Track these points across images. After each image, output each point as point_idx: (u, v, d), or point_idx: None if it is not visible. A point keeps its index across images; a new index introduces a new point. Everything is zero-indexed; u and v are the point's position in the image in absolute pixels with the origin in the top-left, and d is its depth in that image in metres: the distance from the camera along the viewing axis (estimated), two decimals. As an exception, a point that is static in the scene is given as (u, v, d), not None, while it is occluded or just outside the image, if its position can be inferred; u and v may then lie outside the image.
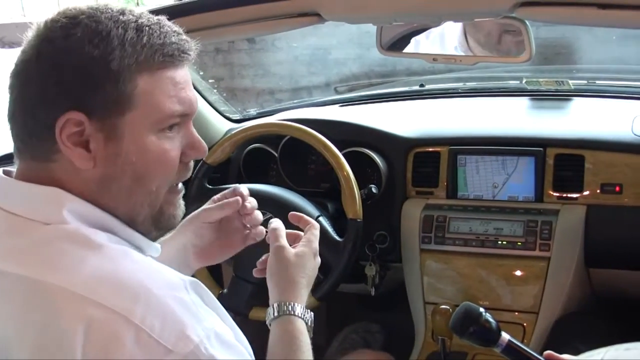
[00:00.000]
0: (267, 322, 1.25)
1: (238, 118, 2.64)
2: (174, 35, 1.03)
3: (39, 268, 0.94)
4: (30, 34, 1.01)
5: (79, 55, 0.96)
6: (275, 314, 1.23)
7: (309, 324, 1.25)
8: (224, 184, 2.13)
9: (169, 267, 1.01)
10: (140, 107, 1.00)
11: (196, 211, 1.42)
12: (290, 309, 1.23)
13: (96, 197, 1.01)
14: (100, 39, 0.97)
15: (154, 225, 1.09)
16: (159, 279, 0.96)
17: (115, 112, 0.98)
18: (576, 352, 1.23)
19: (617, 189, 1.94)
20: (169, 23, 1.05)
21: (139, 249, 1.06)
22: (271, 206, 1.99)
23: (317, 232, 1.37)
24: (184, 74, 1.05)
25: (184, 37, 1.06)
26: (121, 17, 1.00)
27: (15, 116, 1.02)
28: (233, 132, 2.15)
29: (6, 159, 2.17)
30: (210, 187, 2.10)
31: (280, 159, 2.26)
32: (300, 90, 7.12)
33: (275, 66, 7.28)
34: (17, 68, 1.01)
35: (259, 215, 1.42)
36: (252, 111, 2.80)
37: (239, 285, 1.98)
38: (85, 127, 0.98)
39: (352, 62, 6.95)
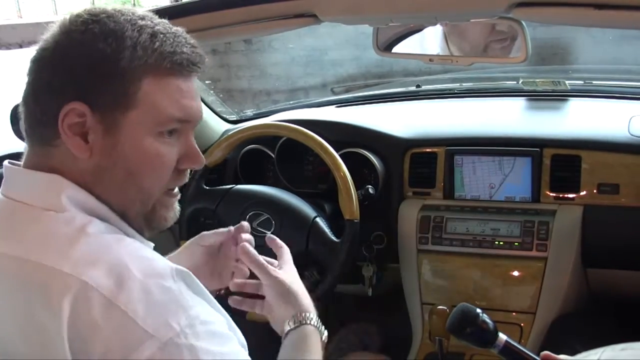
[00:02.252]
0: (284, 334, 1.29)
1: (235, 119, 2.64)
2: (186, 47, 1.08)
3: (32, 249, 0.98)
4: (54, 27, 1.06)
5: (91, 49, 1.02)
6: (292, 324, 1.29)
7: (323, 338, 1.30)
8: (221, 185, 2.13)
9: (159, 255, 1.03)
10: (141, 108, 1.04)
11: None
12: (307, 317, 1.30)
13: (90, 186, 1.06)
14: (114, 38, 1.02)
15: (146, 224, 1.12)
16: (147, 266, 0.98)
17: (117, 108, 1.03)
18: (573, 352, 1.23)
19: (614, 189, 1.94)
20: (187, 35, 1.10)
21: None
22: (268, 207, 1.99)
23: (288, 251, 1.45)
24: (190, 85, 1.10)
25: (198, 50, 1.10)
26: (140, 21, 1.05)
27: (28, 101, 1.06)
28: (230, 133, 2.15)
29: (6, 158, 2.17)
30: (207, 188, 2.10)
31: (277, 160, 2.26)
32: (296, 91, 7.12)
33: (272, 67, 7.28)
34: (35, 55, 1.06)
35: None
36: (249, 112, 2.81)
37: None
38: (87, 118, 1.02)
39: (349, 62, 6.95)
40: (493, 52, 2.07)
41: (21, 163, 1.10)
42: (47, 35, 1.06)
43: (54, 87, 1.02)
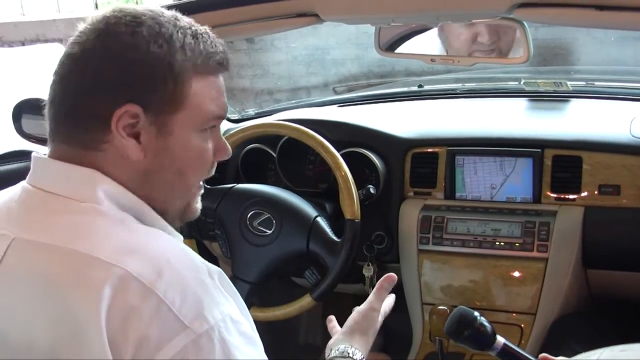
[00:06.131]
0: (329, 357, 1.41)
1: (236, 118, 2.64)
2: (221, 45, 1.12)
3: (69, 237, 0.98)
4: (86, 27, 1.06)
5: (146, 52, 1.03)
6: (338, 353, 1.41)
7: None
8: (222, 184, 2.13)
9: (194, 252, 1.05)
10: (190, 108, 1.07)
11: None
12: (354, 353, 1.41)
13: (135, 187, 1.07)
14: (163, 41, 1.04)
15: (180, 218, 1.17)
16: (184, 259, 1.01)
17: (169, 109, 1.05)
18: (573, 353, 1.23)
19: (615, 190, 1.94)
20: (213, 34, 1.12)
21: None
22: (269, 207, 1.99)
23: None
24: (223, 82, 1.14)
25: (226, 48, 1.14)
26: (178, 22, 1.08)
27: (68, 101, 1.05)
28: (231, 132, 2.15)
29: (6, 157, 2.17)
30: (208, 186, 2.09)
31: (278, 159, 2.26)
32: (298, 90, 7.12)
33: (274, 66, 7.28)
34: (76, 56, 1.05)
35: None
36: (251, 111, 2.80)
37: (237, 285, 1.96)
38: (139, 119, 1.04)
39: (351, 62, 6.95)
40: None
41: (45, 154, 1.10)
42: (83, 36, 1.05)
43: (107, 89, 1.02)
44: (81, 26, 1.07)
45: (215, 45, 1.10)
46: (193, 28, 1.09)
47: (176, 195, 1.13)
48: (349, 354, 1.40)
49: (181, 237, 1.16)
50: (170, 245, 1.03)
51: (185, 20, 1.10)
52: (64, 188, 1.04)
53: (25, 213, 1.05)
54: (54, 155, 1.08)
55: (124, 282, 0.93)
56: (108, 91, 1.02)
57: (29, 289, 0.97)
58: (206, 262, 1.03)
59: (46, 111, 1.09)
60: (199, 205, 1.20)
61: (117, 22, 1.04)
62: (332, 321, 1.60)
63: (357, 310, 1.54)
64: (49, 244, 0.98)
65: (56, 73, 1.07)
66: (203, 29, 1.11)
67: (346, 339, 1.45)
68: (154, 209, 1.10)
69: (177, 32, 1.06)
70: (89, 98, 1.03)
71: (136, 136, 1.04)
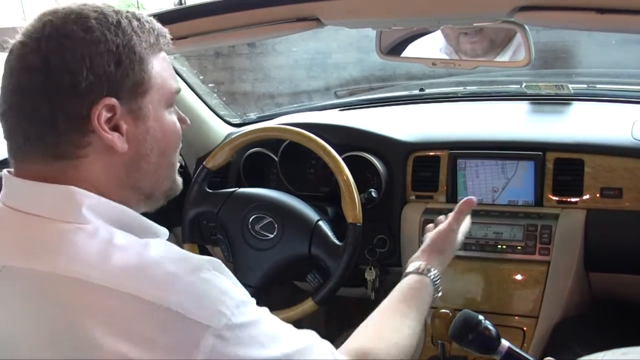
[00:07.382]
0: (405, 273, 1.52)
1: (238, 122, 2.65)
2: (156, 23, 1.13)
3: (65, 265, 0.96)
4: (30, 35, 1.03)
5: (106, 44, 1.02)
6: (414, 269, 1.52)
7: (435, 295, 1.51)
8: (224, 188, 2.13)
9: (186, 251, 1.05)
10: (156, 87, 1.08)
11: None
12: (430, 270, 1.51)
13: (124, 181, 1.08)
14: (115, 28, 1.04)
15: (166, 196, 1.18)
16: (184, 264, 1.00)
17: (140, 93, 1.06)
18: (575, 356, 1.23)
19: (617, 193, 1.93)
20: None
21: (151, 235, 1.11)
22: (271, 211, 1.99)
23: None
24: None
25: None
26: (114, 9, 1.08)
27: (36, 116, 1.02)
28: (233, 137, 2.15)
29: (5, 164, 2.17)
30: (210, 191, 2.10)
31: (280, 163, 2.26)
32: (300, 94, 7.13)
33: (276, 70, 7.29)
34: (34, 65, 1.01)
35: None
36: (252, 115, 2.81)
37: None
38: (117, 111, 1.03)
39: (352, 66, 6.96)
40: (463, 47, 2.07)
41: (12, 171, 1.06)
42: (38, 41, 1.01)
43: (79, 91, 1.00)
44: (21, 36, 1.04)
45: (154, 24, 1.12)
46: (130, 11, 1.10)
47: (163, 177, 1.14)
48: (422, 270, 1.51)
49: (166, 230, 1.15)
50: (164, 255, 1.01)
51: (119, 7, 1.10)
52: (45, 209, 1.01)
53: (10, 237, 1.02)
54: (25, 175, 1.04)
55: (134, 306, 0.93)
56: (81, 91, 1.00)
57: (32, 314, 0.95)
58: (200, 256, 1.04)
59: None
60: (180, 179, 1.20)
61: (64, 22, 1.02)
62: (430, 229, 1.70)
63: (437, 231, 1.63)
64: (47, 272, 0.96)
65: (6, 87, 1.04)
66: (133, 11, 1.12)
67: (423, 256, 1.56)
68: (141, 195, 1.12)
69: (123, 18, 1.06)
70: (64, 104, 1.01)
71: (116, 129, 1.04)
